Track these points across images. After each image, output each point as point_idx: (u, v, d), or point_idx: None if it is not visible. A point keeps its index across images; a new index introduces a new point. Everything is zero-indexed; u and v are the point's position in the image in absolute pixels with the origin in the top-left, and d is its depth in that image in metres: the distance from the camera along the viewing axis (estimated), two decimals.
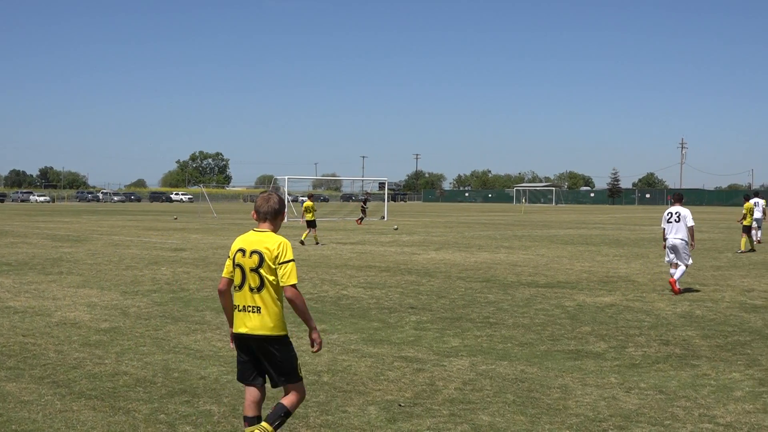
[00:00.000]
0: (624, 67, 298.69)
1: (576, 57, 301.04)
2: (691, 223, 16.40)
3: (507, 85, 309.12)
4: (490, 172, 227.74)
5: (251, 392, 6.26)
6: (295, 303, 6.02)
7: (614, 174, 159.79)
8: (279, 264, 6.01)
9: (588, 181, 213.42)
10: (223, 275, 6.30)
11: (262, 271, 6.03)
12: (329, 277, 18.86)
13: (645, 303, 14.84)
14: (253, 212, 6.25)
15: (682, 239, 16.33)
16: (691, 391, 8.49)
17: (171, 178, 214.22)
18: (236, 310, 6.15)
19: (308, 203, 31.54)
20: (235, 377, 8.90)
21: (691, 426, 7.27)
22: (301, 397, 6.33)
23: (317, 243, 30.36)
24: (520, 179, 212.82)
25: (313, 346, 6.25)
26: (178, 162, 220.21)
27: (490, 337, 11.45)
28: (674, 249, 16.44)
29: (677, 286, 16.04)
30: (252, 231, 6.25)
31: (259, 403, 6.28)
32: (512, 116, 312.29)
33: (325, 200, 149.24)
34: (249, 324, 6.07)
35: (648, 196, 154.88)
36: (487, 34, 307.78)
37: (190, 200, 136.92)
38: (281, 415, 6.15)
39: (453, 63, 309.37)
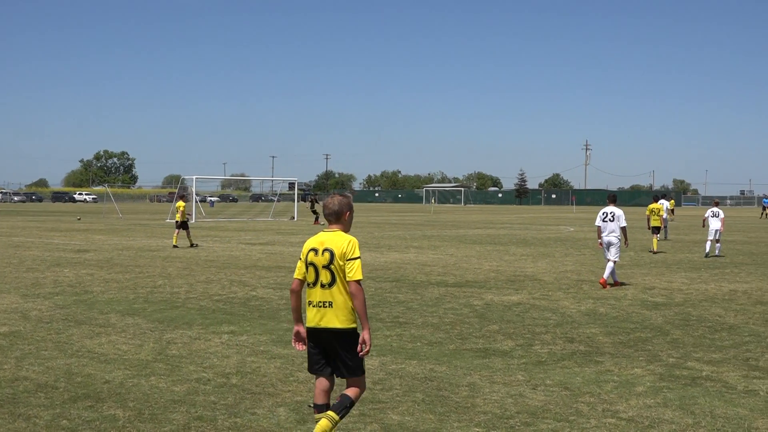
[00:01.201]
0: (529, 70, 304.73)
1: (483, 60, 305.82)
2: (623, 223, 17.80)
3: (417, 87, 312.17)
4: (399, 172, 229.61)
5: (321, 382, 6.56)
6: (356, 298, 6.34)
7: (521, 175, 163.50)
8: (347, 260, 6.34)
9: (496, 182, 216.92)
10: (295, 276, 6.61)
11: (333, 267, 6.36)
12: (238, 278, 18.69)
13: (551, 301, 15.14)
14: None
15: (616, 237, 17.67)
16: (595, 386, 8.68)
17: (74, 178, 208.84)
18: (310, 306, 6.48)
19: (180, 203, 30.08)
20: (140, 381, 8.77)
21: (595, 421, 7.44)
22: (362, 391, 6.65)
23: (192, 245, 28.89)
24: (430, 180, 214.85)
25: (361, 346, 6.37)
26: (81, 161, 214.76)
27: (400, 336, 11.51)
28: (609, 246, 17.68)
29: (607, 283, 17.29)
30: (322, 232, 6.59)
31: (328, 392, 6.58)
32: (422, 117, 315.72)
33: (234, 200, 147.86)
34: (322, 318, 6.40)
35: (554, 196, 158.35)
36: (395, 37, 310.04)
37: (95, 200, 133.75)
38: (347, 406, 6.48)
39: (362, 64, 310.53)
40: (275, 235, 37.62)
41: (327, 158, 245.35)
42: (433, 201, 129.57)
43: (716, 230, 26.13)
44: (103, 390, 8.41)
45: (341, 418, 6.45)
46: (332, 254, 6.35)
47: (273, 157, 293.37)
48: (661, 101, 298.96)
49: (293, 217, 55.45)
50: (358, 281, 6.32)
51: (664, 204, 32.53)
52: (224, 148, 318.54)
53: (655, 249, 27.91)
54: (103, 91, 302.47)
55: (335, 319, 6.35)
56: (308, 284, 6.49)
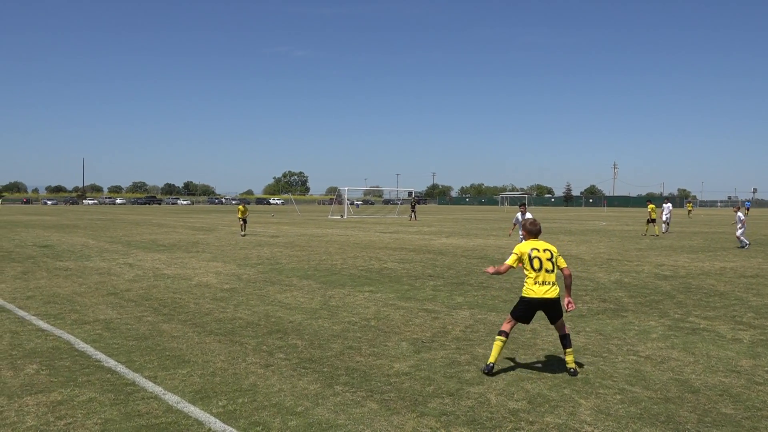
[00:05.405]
0: (573, 111, 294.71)
1: (543, 106, 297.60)
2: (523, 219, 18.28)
3: (499, 124, 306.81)
4: (483, 184, 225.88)
5: (513, 324, 6.59)
6: (568, 278, 6.69)
7: (568, 186, 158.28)
8: (558, 256, 6.62)
9: (550, 191, 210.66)
10: (508, 263, 6.62)
11: (552, 260, 6.54)
12: (375, 255, 18.84)
13: (589, 273, 14.61)
14: (523, 231, 6.81)
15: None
16: (621, 333, 8.34)
17: (270, 188, 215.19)
18: (535, 283, 6.49)
19: (241, 207, 27.36)
20: (312, 322, 8.94)
21: (621, 357, 7.14)
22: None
23: (244, 234, 27.17)
24: (503, 189, 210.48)
25: (568, 305, 6.61)
26: (274, 178, 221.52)
27: (483, 296, 11.34)
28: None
29: None
30: (533, 241, 6.68)
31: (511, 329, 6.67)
32: (500, 145, 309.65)
33: (372, 203, 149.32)
34: (547, 292, 6.45)
35: (591, 201, 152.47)
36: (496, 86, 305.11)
37: (283, 203, 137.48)
38: (569, 338, 6.65)
39: (466, 102, 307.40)
40: (399, 226, 37.71)
41: (434, 175, 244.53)
42: (505, 204, 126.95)
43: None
44: (288, 327, 8.62)
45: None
46: (552, 253, 6.54)
47: (398, 174, 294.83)
48: (669, 130, 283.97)
49: (410, 216, 55.29)
50: (567, 266, 6.64)
51: (668, 207, 31.42)
52: (366, 168, 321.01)
53: (657, 233, 28.46)
54: (284, 124, 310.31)
55: (554, 291, 6.45)
56: (534, 269, 6.48)
